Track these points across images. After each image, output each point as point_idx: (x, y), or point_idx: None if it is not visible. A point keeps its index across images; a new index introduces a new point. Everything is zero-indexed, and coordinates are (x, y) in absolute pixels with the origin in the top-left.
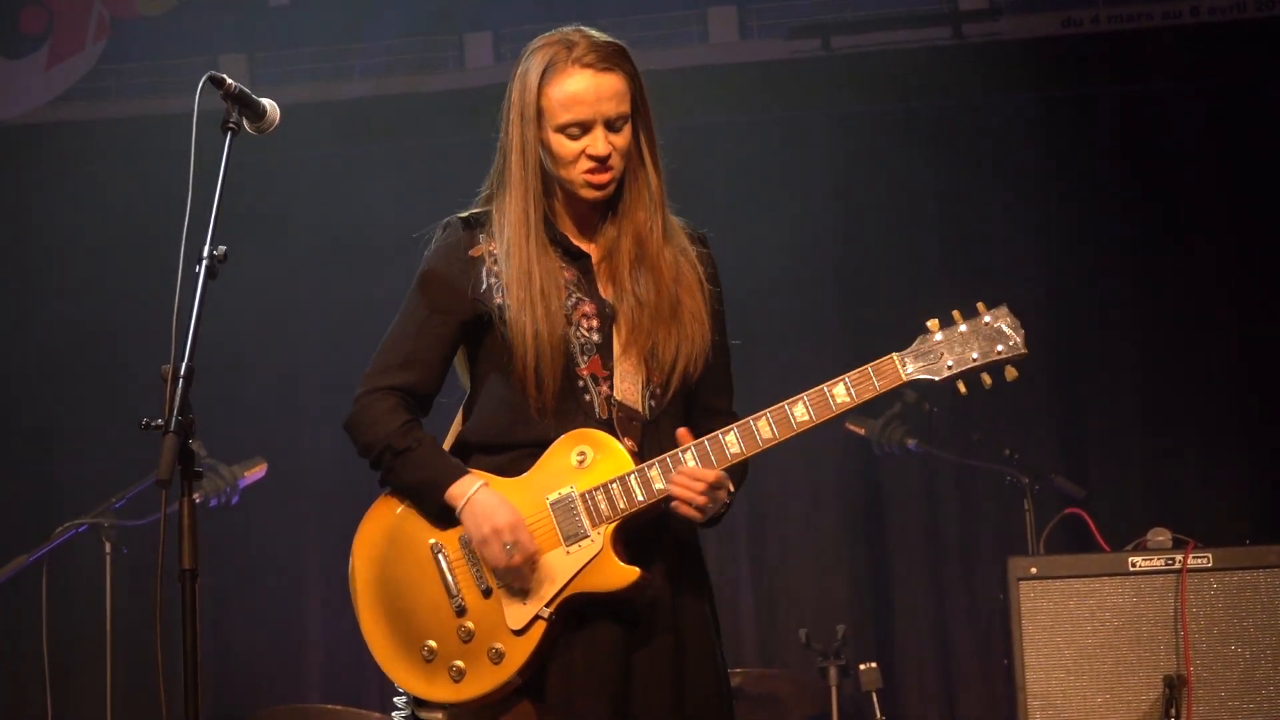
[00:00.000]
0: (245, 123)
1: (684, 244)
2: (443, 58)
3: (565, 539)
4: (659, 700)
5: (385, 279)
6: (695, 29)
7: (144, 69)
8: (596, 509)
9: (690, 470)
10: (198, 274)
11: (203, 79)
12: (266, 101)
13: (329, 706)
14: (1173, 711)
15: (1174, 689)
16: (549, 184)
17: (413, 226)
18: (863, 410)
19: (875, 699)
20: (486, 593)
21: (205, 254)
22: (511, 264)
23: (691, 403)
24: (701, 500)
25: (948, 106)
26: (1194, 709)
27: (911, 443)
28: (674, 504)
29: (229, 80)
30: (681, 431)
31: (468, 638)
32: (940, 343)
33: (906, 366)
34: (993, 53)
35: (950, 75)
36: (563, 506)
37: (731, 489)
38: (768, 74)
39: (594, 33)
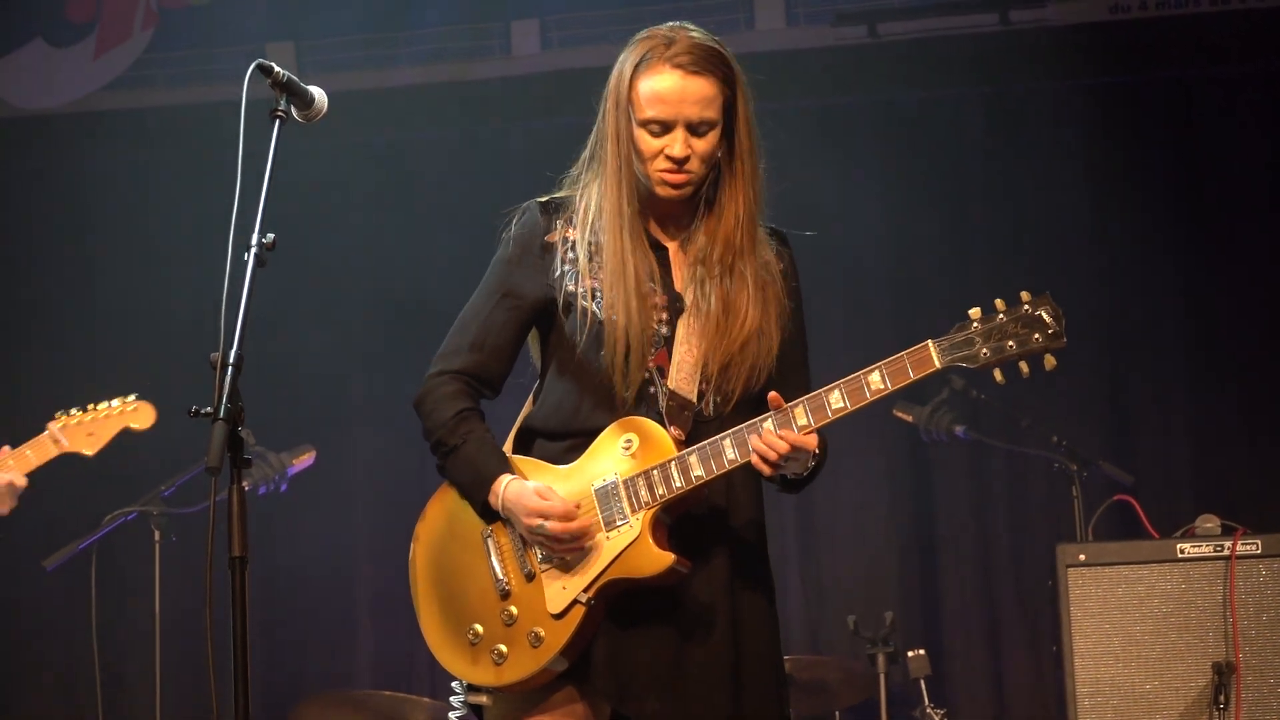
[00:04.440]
0: (293, 111)
1: (767, 255)
2: (489, 45)
3: (606, 524)
4: (715, 695)
5: (432, 263)
6: (742, 15)
7: (191, 57)
8: (637, 495)
9: (772, 434)
10: (246, 262)
11: (251, 67)
12: (314, 89)
13: (378, 693)
14: (1222, 698)
15: (1223, 675)
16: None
17: (460, 213)
18: (910, 397)
19: (923, 686)
20: (530, 577)
21: (254, 242)
22: (606, 257)
23: (763, 403)
24: (773, 457)
25: (995, 93)
26: (1243, 695)
27: (960, 429)
28: (753, 455)
29: (277, 68)
30: (772, 395)
31: (510, 621)
32: (978, 330)
33: (942, 354)
34: (1040, 39)
35: (997, 62)
36: (606, 493)
37: (816, 453)
38: (814, 61)
39: (697, 33)
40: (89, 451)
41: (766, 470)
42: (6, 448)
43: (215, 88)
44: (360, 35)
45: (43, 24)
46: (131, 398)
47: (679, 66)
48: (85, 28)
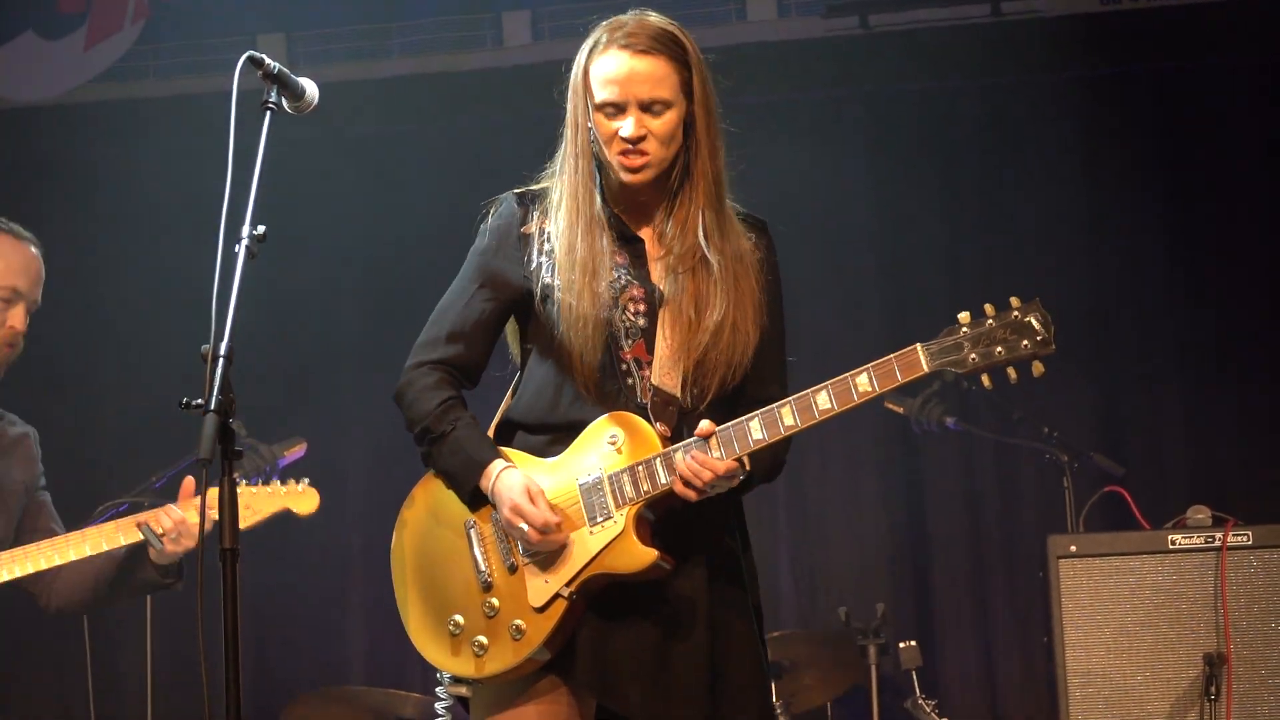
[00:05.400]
0: (284, 102)
1: (740, 244)
2: (480, 36)
3: (590, 520)
4: (698, 687)
5: (424, 256)
6: (734, 7)
7: (182, 48)
8: (621, 491)
9: (704, 458)
10: (237, 254)
11: (242, 59)
12: (305, 81)
13: (370, 689)
14: (1212, 689)
15: (1214, 667)
16: (606, 164)
17: (451, 205)
18: (901, 388)
19: (915, 677)
20: (512, 569)
21: (244, 234)
22: (561, 243)
23: (739, 393)
24: (699, 484)
25: (986, 85)
26: (1234, 686)
27: (950, 420)
28: (673, 480)
29: (268, 60)
30: (703, 426)
31: (492, 613)
32: (967, 335)
33: (930, 358)
34: (1032, 30)
35: (990, 53)
36: (590, 488)
37: (747, 471)
38: (806, 52)
39: (652, 17)
40: (240, 525)
41: (691, 495)
42: (190, 478)
43: (206, 79)
44: (351, 27)
45: (34, 16)
46: (304, 483)
47: (626, 47)
48: (76, 19)
